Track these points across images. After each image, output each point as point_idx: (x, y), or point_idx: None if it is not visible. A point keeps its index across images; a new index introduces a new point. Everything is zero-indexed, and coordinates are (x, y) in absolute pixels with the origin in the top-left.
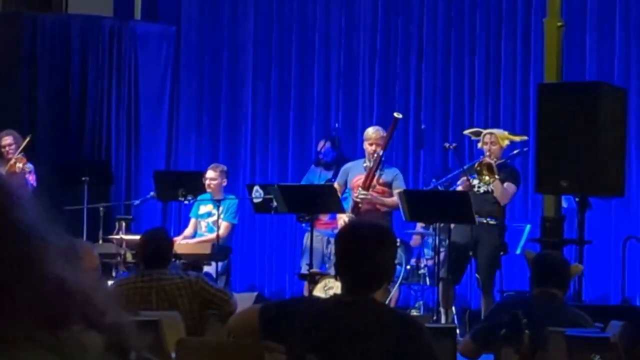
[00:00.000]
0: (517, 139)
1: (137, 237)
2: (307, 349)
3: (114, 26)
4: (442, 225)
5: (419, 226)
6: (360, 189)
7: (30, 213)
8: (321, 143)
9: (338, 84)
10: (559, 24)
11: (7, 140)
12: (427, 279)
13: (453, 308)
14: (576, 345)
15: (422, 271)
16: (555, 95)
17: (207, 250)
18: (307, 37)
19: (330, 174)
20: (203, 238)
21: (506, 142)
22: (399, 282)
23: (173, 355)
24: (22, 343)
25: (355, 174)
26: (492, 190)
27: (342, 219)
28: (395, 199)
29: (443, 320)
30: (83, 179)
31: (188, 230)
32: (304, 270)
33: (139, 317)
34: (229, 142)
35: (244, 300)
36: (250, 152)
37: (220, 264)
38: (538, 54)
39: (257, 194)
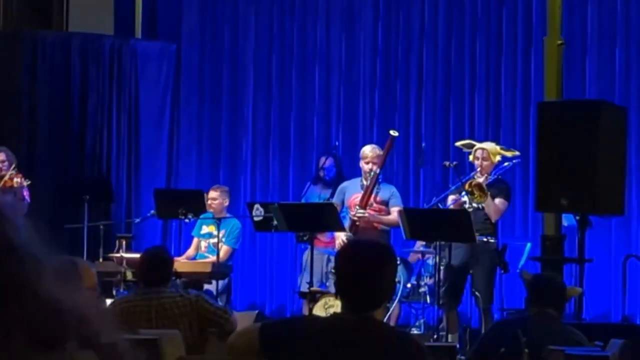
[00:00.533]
0: (509, 154)
1: (138, 255)
2: None
3: (114, 44)
4: (442, 243)
5: (419, 244)
6: (357, 207)
7: (23, 233)
8: (322, 159)
9: (338, 102)
10: (559, 42)
11: (0, 157)
12: (428, 297)
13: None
14: None
15: (422, 289)
16: (556, 114)
17: (207, 268)
18: (307, 55)
19: (328, 193)
20: (203, 260)
21: (498, 158)
22: (397, 299)
23: None
24: None
25: (352, 192)
26: (483, 207)
27: (340, 237)
28: (392, 216)
29: (450, 339)
30: (83, 197)
31: (190, 251)
32: (304, 288)
33: (138, 336)
34: (229, 160)
35: (244, 319)
36: (250, 170)
37: (220, 282)
38: (538, 72)
39: (258, 212)
